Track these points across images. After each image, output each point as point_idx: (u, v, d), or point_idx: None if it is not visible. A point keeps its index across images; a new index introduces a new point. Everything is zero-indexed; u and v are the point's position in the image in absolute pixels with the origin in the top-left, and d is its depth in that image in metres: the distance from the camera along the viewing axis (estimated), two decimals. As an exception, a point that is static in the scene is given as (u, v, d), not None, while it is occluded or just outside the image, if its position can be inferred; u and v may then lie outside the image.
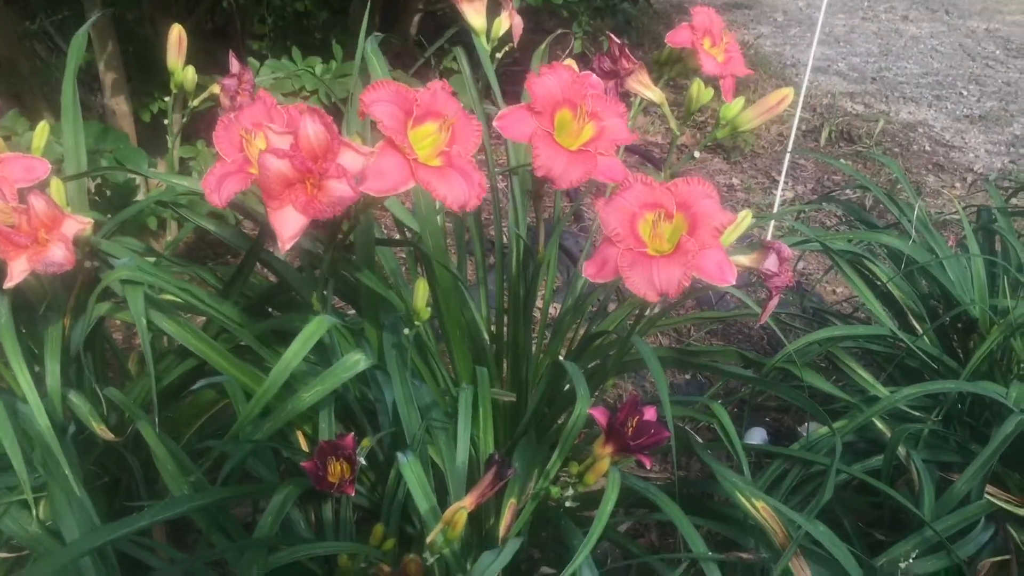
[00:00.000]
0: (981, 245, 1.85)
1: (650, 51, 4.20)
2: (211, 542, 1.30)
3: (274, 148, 1.02)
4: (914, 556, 1.31)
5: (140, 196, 2.45)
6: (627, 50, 1.45)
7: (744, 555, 1.18)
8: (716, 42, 1.47)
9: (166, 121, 1.73)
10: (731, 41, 1.49)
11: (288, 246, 1.03)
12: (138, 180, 2.41)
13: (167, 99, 1.70)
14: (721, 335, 2.48)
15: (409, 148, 1.07)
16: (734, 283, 1.15)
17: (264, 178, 1.01)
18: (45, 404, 1.37)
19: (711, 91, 1.38)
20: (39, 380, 1.41)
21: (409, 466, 1.17)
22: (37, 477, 1.29)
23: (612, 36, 1.49)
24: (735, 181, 3.46)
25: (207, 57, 2.50)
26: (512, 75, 2.23)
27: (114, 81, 2.59)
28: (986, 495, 1.41)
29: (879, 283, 1.76)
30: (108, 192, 2.41)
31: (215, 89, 1.63)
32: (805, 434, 1.96)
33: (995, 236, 1.90)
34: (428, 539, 1.04)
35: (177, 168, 2.19)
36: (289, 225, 1.03)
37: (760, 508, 1.19)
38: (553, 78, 1.23)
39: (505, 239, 1.74)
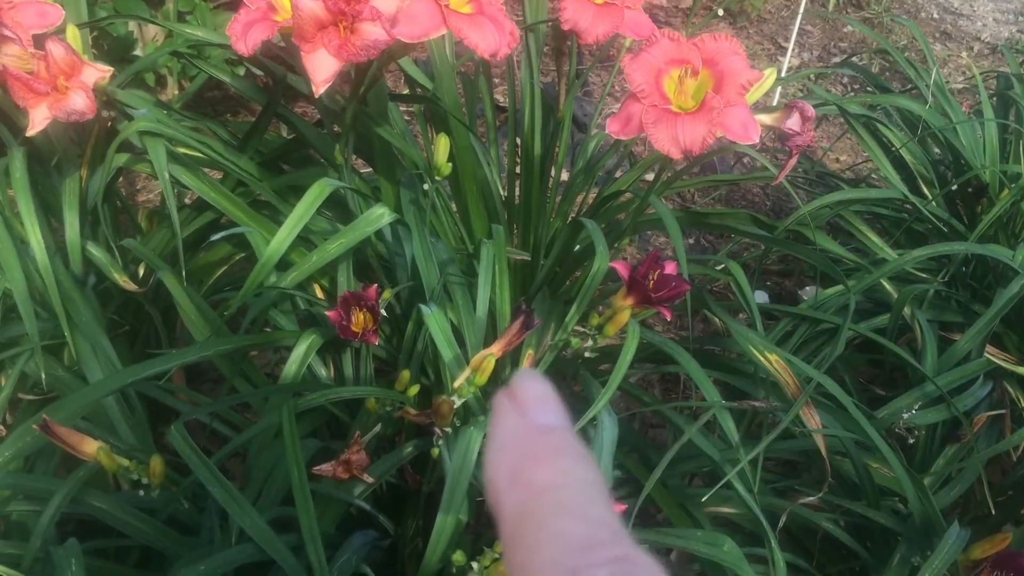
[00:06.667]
0: (995, 111, 1.85)
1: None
2: (235, 387, 1.35)
3: (305, -10, 1.00)
4: (916, 408, 1.36)
5: (138, 51, 2.39)
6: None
7: (756, 403, 1.23)
8: None
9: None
10: None
11: (322, 90, 1.02)
12: (136, 33, 2.35)
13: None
14: (726, 201, 2.50)
15: (441, -7, 1.06)
16: (757, 141, 1.16)
17: (297, 20, 1.00)
18: (65, 255, 1.38)
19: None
20: (57, 233, 1.42)
21: (433, 317, 1.20)
22: (57, 326, 1.31)
23: None
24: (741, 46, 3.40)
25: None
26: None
27: (107, -71, 2.48)
28: (986, 354, 1.46)
29: (892, 148, 1.77)
30: (106, 46, 2.35)
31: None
32: (806, 298, 2.01)
33: (1008, 104, 1.90)
34: (456, 384, 1.07)
35: (175, 21, 2.15)
36: (322, 69, 1.02)
37: (773, 361, 1.23)
38: (581, -73, 1.20)
39: (516, 101, 1.73)
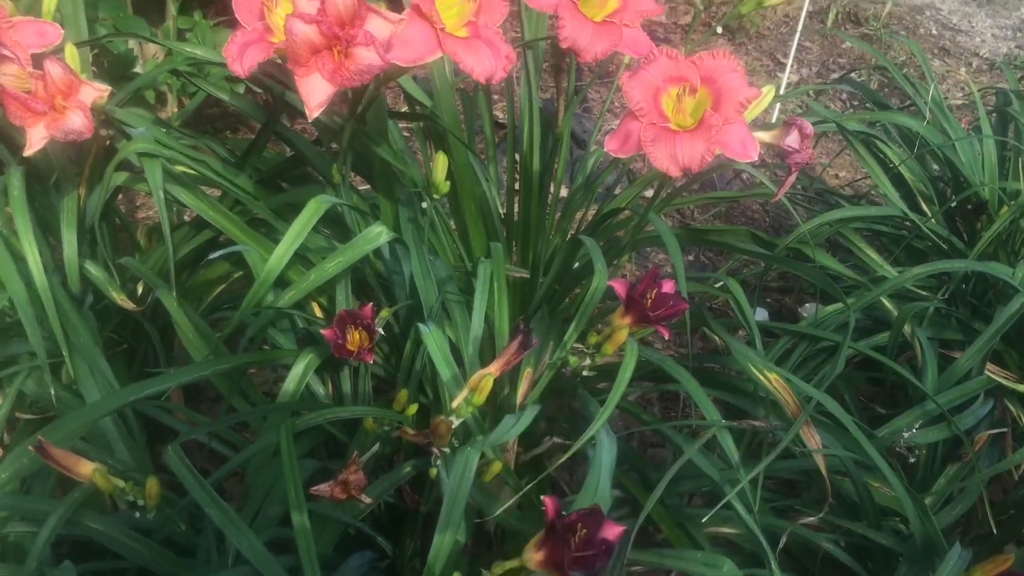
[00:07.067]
0: (994, 128, 1.85)
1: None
2: (233, 406, 1.34)
3: (301, 13, 1.01)
4: (916, 427, 1.36)
5: (138, 68, 2.40)
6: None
7: (756, 423, 1.22)
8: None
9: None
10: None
11: (315, 114, 1.02)
12: (136, 51, 2.36)
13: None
14: (725, 218, 2.50)
15: (436, 17, 1.06)
16: (756, 159, 1.15)
17: (291, 44, 1.00)
18: (63, 274, 1.38)
19: (737, -37, 1.35)
20: (56, 251, 1.42)
21: (431, 336, 1.19)
22: (55, 344, 1.31)
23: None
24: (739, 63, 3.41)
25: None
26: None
27: (107, -54, 2.49)
28: (986, 372, 1.45)
29: (891, 165, 1.77)
30: (106, 63, 2.36)
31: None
32: (806, 315, 2.00)
33: (1007, 120, 1.90)
34: (454, 403, 1.07)
35: (174, 39, 2.15)
36: (316, 93, 1.02)
37: (773, 379, 1.22)
38: (579, -54, 1.20)
39: (515, 118, 1.73)
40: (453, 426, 1.07)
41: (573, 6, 1.18)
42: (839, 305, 1.58)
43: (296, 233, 1.24)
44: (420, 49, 1.06)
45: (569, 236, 1.71)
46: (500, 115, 2.63)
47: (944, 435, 1.38)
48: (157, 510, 1.07)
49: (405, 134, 2.38)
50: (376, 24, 1.04)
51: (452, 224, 1.66)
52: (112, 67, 2.35)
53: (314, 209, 1.24)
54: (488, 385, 1.05)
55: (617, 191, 1.82)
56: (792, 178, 1.26)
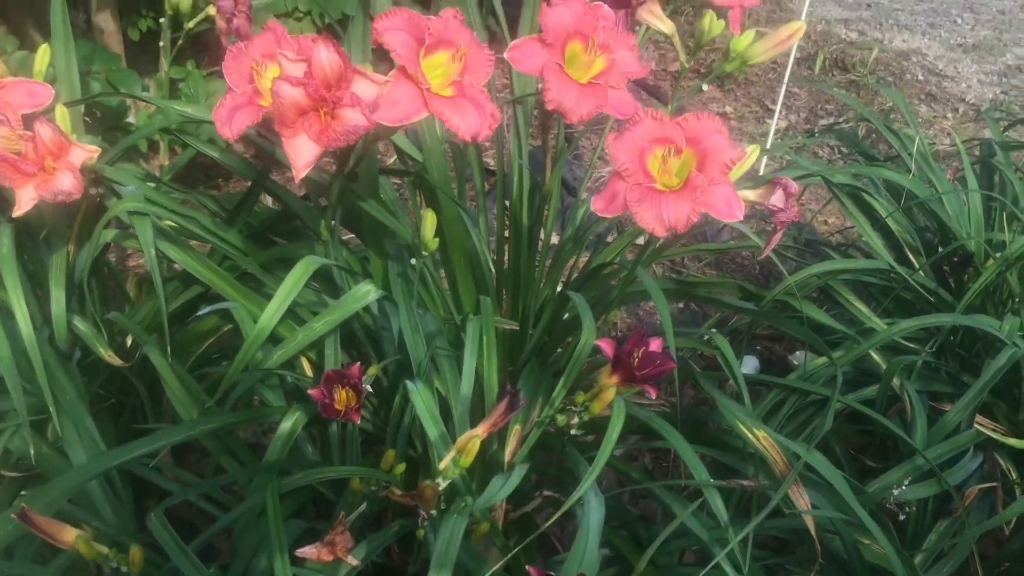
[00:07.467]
0: (979, 178, 1.86)
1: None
2: (221, 465, 1.33)
3: (288, 75, 1.02)
4: (907, 483, 1.35)
5: (131, 117, 2.42)
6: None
7: (745, 482, 1.22)
8: (725, -29, 1.45)
9: (161, 44, 1.71)
10: (740, -31, 1.47)
11: (302, 175, 1.03)
12: (129, 101, 2.37)
13: (162, 20, 1.67)
14: (715, 266, 2.51)
15: (422, 77, 1.07)
16: (741, 219, 1.16)
17: (278, 106, 1.01)
18: (51, 330, 1.38)
19: (723, 23, 1.37)
20: (43, 306, 1.41)
21: (419, 394, 1.19)
22: (41, 401, 1.30)
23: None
24: (728, 109, 3.44)
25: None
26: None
27: (101, -3, 2.52)
28: (976, 425, 1.45)
29: (878, 216, 1.78)
30: (99, 113, 2.37)
31: (211, 11, 1.60)
32: (796, 363, 2.00)
33: (992, 171, 1.92)
34: (441, 465, 1.06)
35: (167, 90, 2.17)
36: (303, 154, 1.03)
37: (761, 437, 1.22)
38: (566, 9, 1.21)
39: (504, 167, 1.74)
40: (440, 488, 1.06)
41: (559, 68, 1.19)
42: (828, 357, 1.58)
43: (285, 293, 1.24)
44: (406, 109, 1.07)
45: (560, 287, 1.71)
46: (491, 162, 2.65)
47: (934, 490, 1.38)
48: (142, 574, 1.06)
49: (395, 182, 2.39)
50: (362, 86, 1.06)
51: (442, 273, 1.66)
52: (105, 117, 2.37)
53: (303, 270, 1.25)
54: (475, 447, 1.05)
55: (609, 239, 1.82)
56: (778, 236, 1.27)
